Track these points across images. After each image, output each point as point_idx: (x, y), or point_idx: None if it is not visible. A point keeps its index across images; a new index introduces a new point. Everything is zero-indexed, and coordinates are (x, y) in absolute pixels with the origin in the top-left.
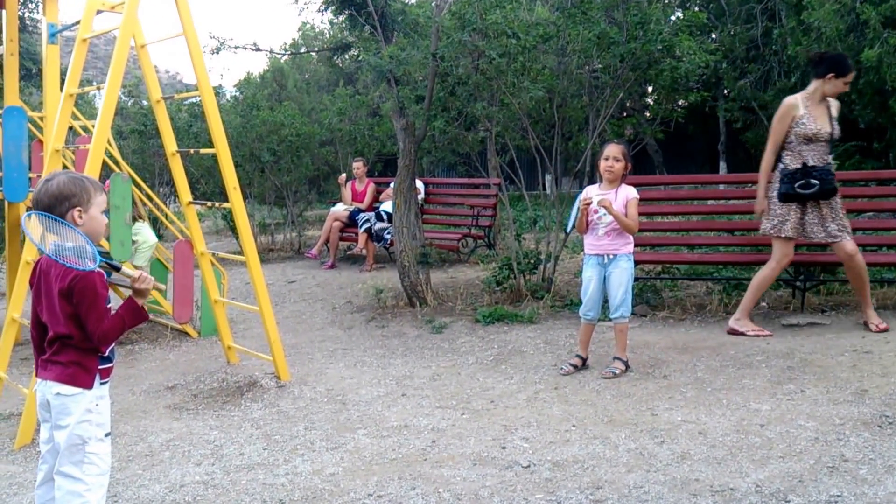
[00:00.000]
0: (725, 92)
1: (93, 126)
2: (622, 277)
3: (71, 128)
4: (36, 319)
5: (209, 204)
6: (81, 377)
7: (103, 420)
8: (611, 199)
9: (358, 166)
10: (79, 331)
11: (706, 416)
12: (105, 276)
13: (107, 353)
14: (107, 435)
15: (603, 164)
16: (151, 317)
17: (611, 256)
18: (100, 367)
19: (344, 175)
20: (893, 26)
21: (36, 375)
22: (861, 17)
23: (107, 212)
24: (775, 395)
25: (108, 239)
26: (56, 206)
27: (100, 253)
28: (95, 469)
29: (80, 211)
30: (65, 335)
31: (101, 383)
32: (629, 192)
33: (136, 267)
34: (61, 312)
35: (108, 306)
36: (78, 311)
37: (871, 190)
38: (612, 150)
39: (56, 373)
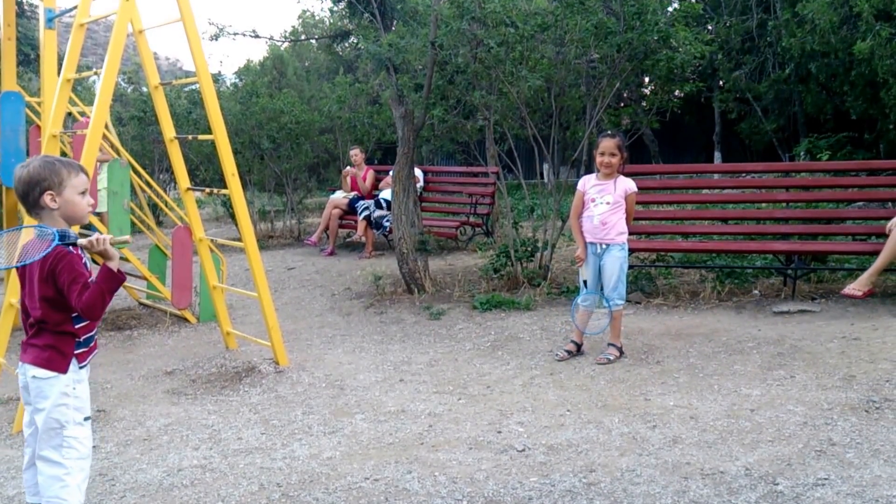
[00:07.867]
0: (720, 83)
1: (91, 111)
2: (615, 266)
3: (69, 113)
4: (23, 305)
5: (208, 190)
6: (56, 361)
7: (81, 404)
8: (609, 190)
9: (356, 153)
10: (54, 314)
11: (698, 401)
12: (83, 257)
13: (83, 338)
14: (86, 419)
15: (599, 159)
16: (149, 302)
17: (603, 246)
18: (76, 351)
19: (349, 168)
20: (885, 19)
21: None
22: (854, 10)
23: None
24: (766, 381)
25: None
26: (29, 192)
27: (58, 233)
28: (75, 453)
29: (51, 195)
30: (40, 319)
31: (80, 367)
32: (628, 185)
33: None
34: (39, 296)
35: (90, 281)
36: (62, 290)
37: (862, 180)
38: (608, 145)
39: (33, 356)
